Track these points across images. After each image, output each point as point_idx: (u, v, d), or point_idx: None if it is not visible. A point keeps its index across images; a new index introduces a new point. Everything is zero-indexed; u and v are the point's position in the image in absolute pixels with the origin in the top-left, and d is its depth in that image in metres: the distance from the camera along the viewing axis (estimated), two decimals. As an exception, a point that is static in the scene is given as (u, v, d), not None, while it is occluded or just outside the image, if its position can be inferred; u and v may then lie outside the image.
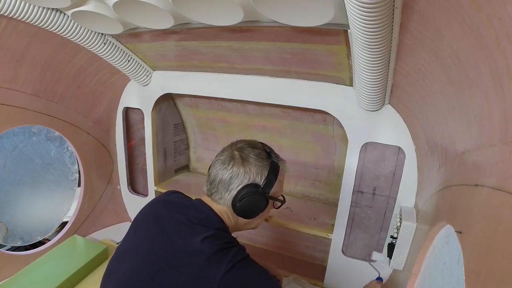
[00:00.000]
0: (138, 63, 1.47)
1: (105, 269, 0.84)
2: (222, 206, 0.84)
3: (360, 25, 0.69)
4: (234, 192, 0.80)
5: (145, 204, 0.90)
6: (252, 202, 0.81)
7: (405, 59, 0.84)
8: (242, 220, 0.86)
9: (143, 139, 1.75)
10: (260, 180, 0.81)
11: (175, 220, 0.80)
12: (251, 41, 1.10)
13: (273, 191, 0.84)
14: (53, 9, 1.07)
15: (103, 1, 0.92)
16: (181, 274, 0.70)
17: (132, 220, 0.88)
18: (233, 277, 0.69)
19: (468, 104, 0.61)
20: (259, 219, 0.89)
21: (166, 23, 0.96)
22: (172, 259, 0.72)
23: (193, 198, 0.89)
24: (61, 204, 1.90)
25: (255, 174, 0.80)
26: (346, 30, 0.86)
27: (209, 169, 0.88)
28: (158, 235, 0.78)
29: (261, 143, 0.90)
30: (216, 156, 0.87)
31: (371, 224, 1.31)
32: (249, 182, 0.80)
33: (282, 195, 0.90)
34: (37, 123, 1.46)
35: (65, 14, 1.11)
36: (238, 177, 0.80)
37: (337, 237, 1.36)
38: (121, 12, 0.94)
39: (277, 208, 0.90)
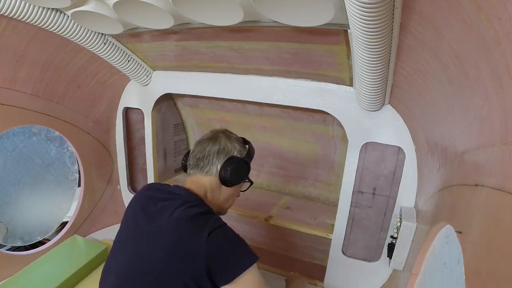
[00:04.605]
0: (138, 63, 1.47)
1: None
2: (208, 177, 0.92)
3: (360, 25, 0.69)
4: (222, 161, 0.91)
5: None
6: (237, 168, 0.92)
7: (405, 59, 0.84)
8: (222, 194, 0.94)
9: (143, 139, 1.75)
10: (243, 153, 0.95)
11: (158, 205, 0.85)
12: (251, 41, 1.10)
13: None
14: (53, 9, 1.07)
15: (103, 1, 0.92)
16: (170, 241, 0.77)
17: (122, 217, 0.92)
18: (214, 240, 0.76)
19: (468, 104, 0.61)
20: (234, 195, 0.99)
21: (166, 23, 0.96)
22: (162, 230, 0.79)
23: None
24: (61, 204, 1.91)
25: (238, 149, 0.95)
26: (346, 30, 0.86)
27: (194, 147, 0.96)
28: (147, 223, 0.82)
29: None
30: (202, 137, 0.97)
31: (371, 224, 1.31)
32: (234, 154, 0.93)
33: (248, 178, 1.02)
34: (37, 123, 1.45)
35: (65, 14, 1.11)
36: (225, 149, 0.92)
37: (337, 237, 1.36)
38: (121, 12, 0.94)
39: (244, 191, 1.02)
